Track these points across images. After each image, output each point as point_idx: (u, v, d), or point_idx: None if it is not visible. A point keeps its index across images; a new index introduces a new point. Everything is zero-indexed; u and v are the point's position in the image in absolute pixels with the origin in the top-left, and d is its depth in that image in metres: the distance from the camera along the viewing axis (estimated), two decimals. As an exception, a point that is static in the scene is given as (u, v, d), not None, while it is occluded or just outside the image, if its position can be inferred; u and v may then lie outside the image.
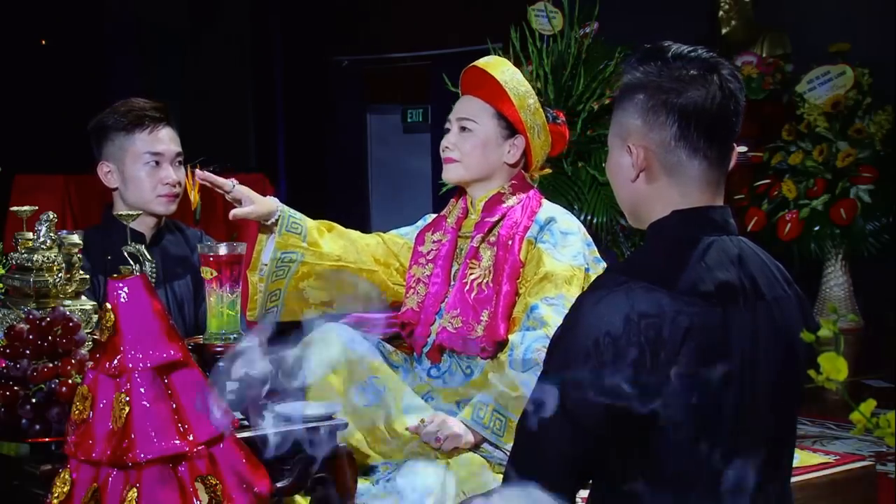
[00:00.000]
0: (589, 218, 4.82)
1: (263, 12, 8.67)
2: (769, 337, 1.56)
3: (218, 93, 8.17)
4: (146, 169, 2.70)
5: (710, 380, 1.50)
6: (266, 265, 2.63)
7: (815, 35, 6.66)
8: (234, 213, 2.58)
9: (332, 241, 2.69)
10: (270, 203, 2.62)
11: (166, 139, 2.73)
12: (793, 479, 1.69)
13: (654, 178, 1.60)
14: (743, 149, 6.39)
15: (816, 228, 6.24)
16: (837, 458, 2.74)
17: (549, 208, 2.63)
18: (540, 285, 2.49)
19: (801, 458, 2.51)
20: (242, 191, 2.59)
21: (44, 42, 7.62)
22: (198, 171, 2.59)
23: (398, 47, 8.61)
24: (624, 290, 1.49)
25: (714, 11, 7.34)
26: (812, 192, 6.27)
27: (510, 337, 2.47)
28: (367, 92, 9.03)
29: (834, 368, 1.09)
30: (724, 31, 7.29)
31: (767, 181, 6.48)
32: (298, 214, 2.66)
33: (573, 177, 4.98)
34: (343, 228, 2.76)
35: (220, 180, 2.57)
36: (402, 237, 2.80)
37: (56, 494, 1.67)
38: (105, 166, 2.74)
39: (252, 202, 2.59)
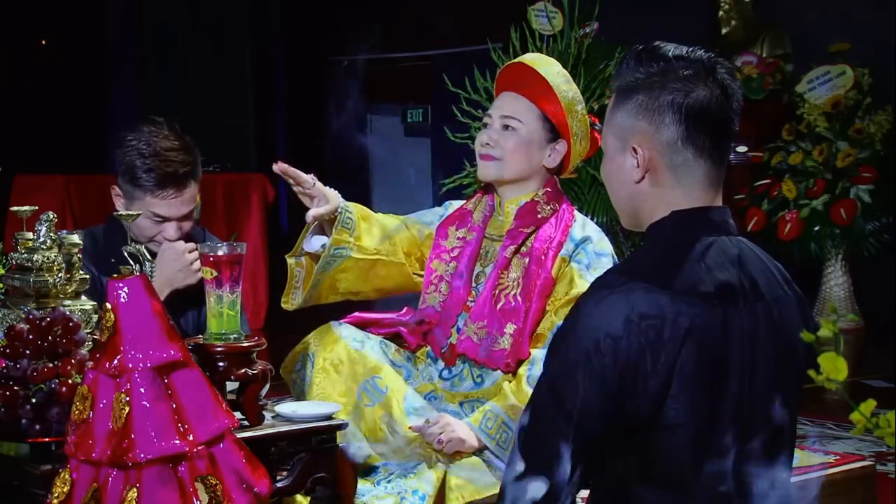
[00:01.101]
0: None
1: (263, 12, 8.67)
2: (769, 337, 1.55)
3: (218, 93, 8.17)
4: (149, 222, 2.62)
5: (709, 380, 1.50)
6: (306, 253, 2.57)
7: (815, 35, 6.66)
8: (313, 213, 2.49)
9: (370, 234, 2.60)
10: (336, 200, 2.53)
11: (178, 203, 2.62)
12: (793, 479, 1.69)
13: (658, 179, 1.59)
14: (743, 149, 6.40)
15: (816, 228, 6.25)
16: (837, 458, 2.74)
17: (582, 223, 2.58)
18: (568, 306, 2.44)
19: (801, 458, 2.51)
20: (321, 189, 2.52)
21: (44, 42, 7.62)
22: (279, 164, 2.48)
23: (398, 47, 8.61)
24: (624, 291, 1.49)
25: (714, 11, 7.34)
26: (812, 192, 6.28)
27: (532, 352, 2.43)
28: (367, 92, 9.03)
29: (834, 368, 1.09)
30: (724, 31, 7.30)
31: (767, 181, 6.48)
32: (351, 207, 2.57)
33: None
34: (374, 215, 2.65)
35: (302, 176, 2.49)
36: (426, 227, 2.70)
37: (56, 494, 1.67)
38: (116, 189, 2.69)
39: (328, 201, 2.51)
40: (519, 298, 2.50)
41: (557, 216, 2.56)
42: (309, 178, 2.50)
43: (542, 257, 2.51)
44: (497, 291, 2.53)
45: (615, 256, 2.58)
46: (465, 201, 2.74)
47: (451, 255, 2.63)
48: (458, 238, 2.64)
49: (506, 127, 2.56)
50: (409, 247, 2.67)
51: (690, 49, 1.60)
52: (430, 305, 2.62)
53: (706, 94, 1.57)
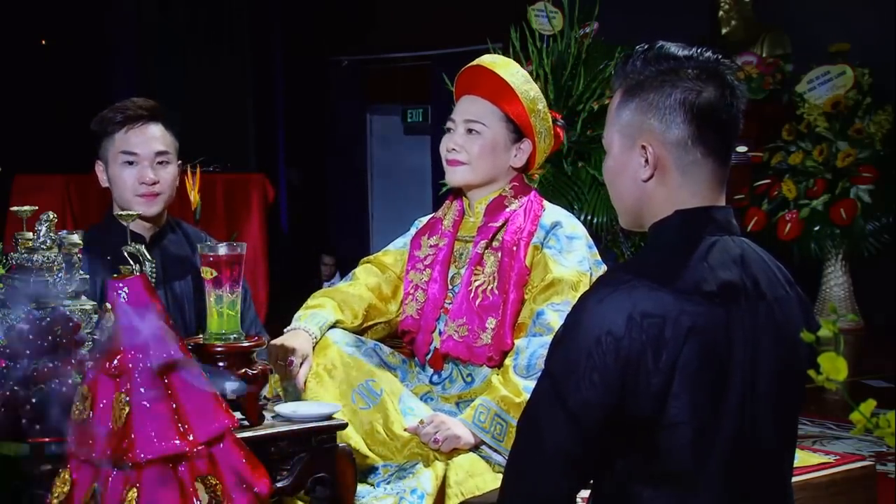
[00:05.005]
0: (589, 218, 4.82)
1: (263, 12, 8.67)
2: (771, 337, 1.55)
3: (218, 93, 8.17)
4: (124, 169, 2.69)
5: (711, 379, 1.50)
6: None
7: (815, 35, 6.66)
8: (303, 375, 2.46)
9: (350, 319, 2.61)
10: (311, 343, 2.51)
11: (145, 138, 2.70)
12: (793, 479, 1.69)
13: (666, 178, 1.59)
14: (743, 149, 6.40)
15: (816, 228, 6.25)
16: (837, 458, 2.73)
17: (552, 211, 2.59)
18: (546, 292, 2.45)
19: (801, 458, 2.51)
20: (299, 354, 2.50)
21: (44, 42, 7.62)
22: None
23: (398, 47, 8.62)
24: (626, 290, 1.49)
25: (714, 11, 7.35)
26: (812, 192, 6.28)
27: (516, 342, 2.44)
28: (367, 92, 9.04)
29: (834, 368, 1.09)
30: (724, 31, 7.31)
31: (767, 181, 6.49)
32: (324, 326, 2.54)
33: (573, 177, 4.98)
34: (344, 301, 2.62)
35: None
36: (399, 251, 2.73)
37: (56, 494, 1.67)
38: (99, 165, 2.77)
39: (307, 356, 2.49)
40: (496, 292, 2.51)
41: (526, 207, 2.58)
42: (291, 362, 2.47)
43: (514, 248, 2.52)
44: (473, 288, 2.54)
45: (589, 238, 2.58)
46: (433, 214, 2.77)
47: (425, 263, 2.65)
48: (431, 246, 2.66)
49: (470, 131, 2.57)
50: (391, 289, 2.68)
51: (698, 49, 1.60)
52: (408, 315, 2.63)
53: (716, 93, 1.57)
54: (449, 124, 2.63)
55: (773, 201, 6.43)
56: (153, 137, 2.72)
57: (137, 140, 2.70)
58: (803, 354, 1.58)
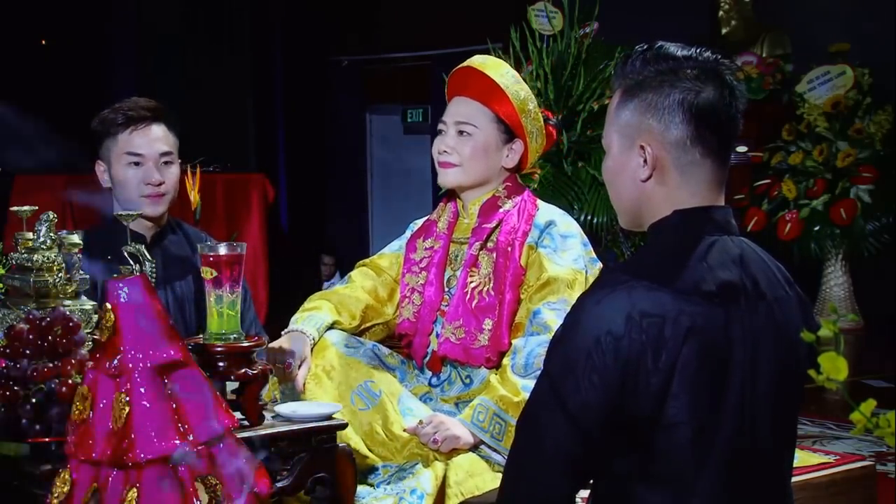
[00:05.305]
0: (589, 218, 4.81)
1: (263, 12, 8.67)
2: (770, 337, 1.56)
3: (218, 93, 8.16)
4: (129, 170, 2.69)
5: (711, 379, 1.50)
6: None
7: (815, 35, 6.67)
8: (302, 377, 2.46)
9: (345, 323, 2.61)
10: (308, 345, 2.51)
11: (149, 139, 2.70)
12: (793, 479, 1.69)
13: (665, 178, 1.59)
14: (743, 149, 6.40)
15: (816, 228, 6.25)
16: (837, 458, 2.73)
17: (546, 210, 2.59)
18: (542, 291, 2.45)
19: (801, 458, 2.51)
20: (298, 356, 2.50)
21: (44, 42, 7.62)
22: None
23: (398, 47, 8.61)
24: (626, 290, 1.49)
25: (714, 11, 7.35)
26: (812, 192, 6.28)
27: (513, 341, 2.44)
28: (367, 92, 9.03)
29: (834, 368, 1.09)
30: (724, 31, 7.31)
31: (767, 181, 6.49)
32: (314, 333, 2.53)
33: (573, 177, 4.98)
34: (340, 303, 2.61)
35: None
36: (395, 254, 2.72)
37: (56, 494, 1.67)
38: (100, 165, 2.77)
39: (305, 358, 2.49)
40: (492, 293, 2.51)
41: (519, 207, 2.58)
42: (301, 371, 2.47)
43: (509, 249, 2.52)
44: (469, 290, 2.54)
45: (583, 236, 2.58)
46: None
47: (421, 265, 2.65)
48: (426, 249, 2.66)
49: (461, 133, 2.57)
50: (387, 292, 2.68)
51: (697, 49, 1.60)
52: (405, 318, 2.63)
53: (715, 94, 1.57)
54: (440, 126, 2.63)
55: (773, 201, 6.43)
56: (157, 138, 2.72)
57: (141, 141, 2.70)
58: (803, 354, 1.58)
